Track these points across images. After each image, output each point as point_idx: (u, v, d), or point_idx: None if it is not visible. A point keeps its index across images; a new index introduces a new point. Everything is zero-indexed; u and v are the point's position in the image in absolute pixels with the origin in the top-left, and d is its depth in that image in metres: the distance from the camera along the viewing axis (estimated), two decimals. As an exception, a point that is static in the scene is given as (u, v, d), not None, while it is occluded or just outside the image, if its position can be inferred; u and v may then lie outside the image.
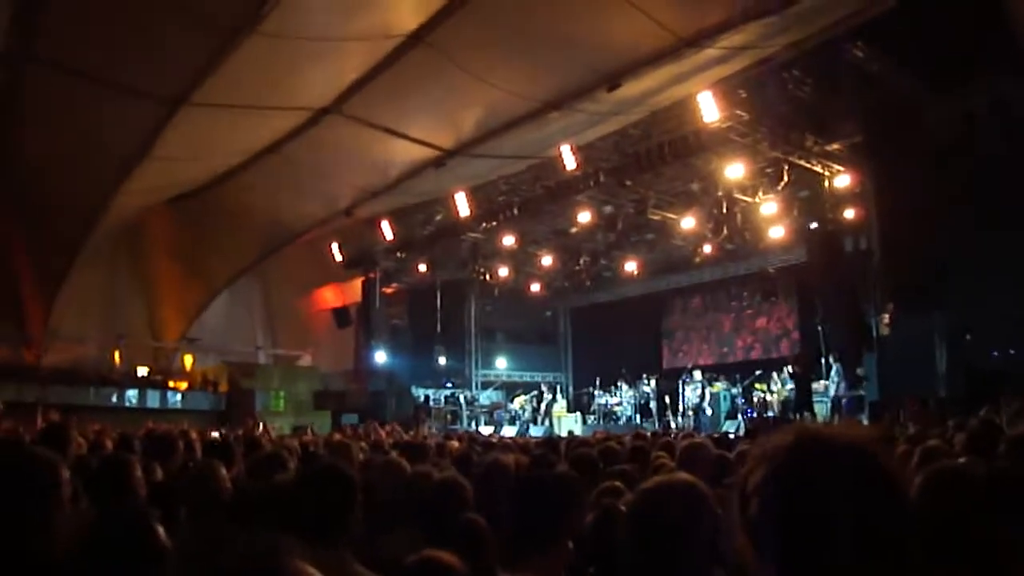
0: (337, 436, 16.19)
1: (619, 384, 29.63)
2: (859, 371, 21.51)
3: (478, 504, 4.91)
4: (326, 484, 4.07)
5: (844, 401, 21.76)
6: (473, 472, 5.78)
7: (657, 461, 7.21)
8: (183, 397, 28.73)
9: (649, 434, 16.60)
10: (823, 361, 22.59)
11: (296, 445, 10.17)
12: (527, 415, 30.08)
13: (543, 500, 3.61)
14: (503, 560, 3.50)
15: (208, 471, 5.45)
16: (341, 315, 31.77)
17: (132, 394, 27.41)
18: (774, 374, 25.61)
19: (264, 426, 19.20)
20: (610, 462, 7.25)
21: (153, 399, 27.74)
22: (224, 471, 5.49)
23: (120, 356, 28.55)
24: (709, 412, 25.69)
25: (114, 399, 26.92)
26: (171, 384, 29.21)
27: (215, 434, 14.35)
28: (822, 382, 22.71)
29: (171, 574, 3.17)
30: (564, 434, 21.85)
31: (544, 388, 31.02)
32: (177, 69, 15.08)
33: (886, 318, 18.87)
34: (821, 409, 22.21)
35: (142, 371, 29.12)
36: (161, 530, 3.01)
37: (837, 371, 22.17)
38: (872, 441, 1.67)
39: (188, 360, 30.86)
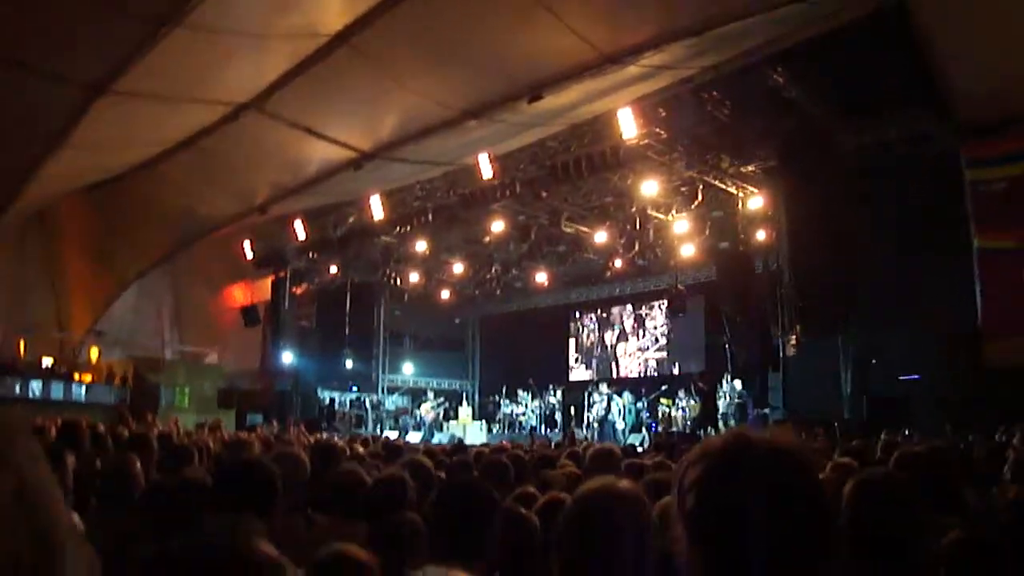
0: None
1: (525, 394, 29.81)
2: (738, 387, 22.05)
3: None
4: (248, 475, 4.12)
5: (733, 413, 22.23)
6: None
7: (564, 469, 7.31)
8: (87, 390, 28.13)
9: (553, 444, 16.80)
10: (729, 378, 22.95)
11: (207, 441, 10.12)
12: (432, 421, 30.05)
13: (467, 507, 3.65)
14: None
15: (122, 465, 5.45)
16: (249, 313, 31.33)
17: (36, 385, 26.78)
18: (680, 390, 25.92)
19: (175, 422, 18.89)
20: (520, 470, 7.34)
21: (57, 391, 27.12)
22: (138, 465, 5.49)
23: (25, 346, 28.03)
24: (614, 425, 25.92)
25: (17, 389, 26.31)
26: (76, 376, 28.63)
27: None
28: (723, 399, 23.05)
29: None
30: (468, 441, 21.88)
31: (430, 396, 31.32)
32: (100, 57, 14.83)
33: (793, 339, 19.15)
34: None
35: (47, 362, 28.55)
36: (76, 516, 3.00)
37: (731, 389, 22.62)
38: (799, 444, 1.83)
39: (94, 353, 30.33)
